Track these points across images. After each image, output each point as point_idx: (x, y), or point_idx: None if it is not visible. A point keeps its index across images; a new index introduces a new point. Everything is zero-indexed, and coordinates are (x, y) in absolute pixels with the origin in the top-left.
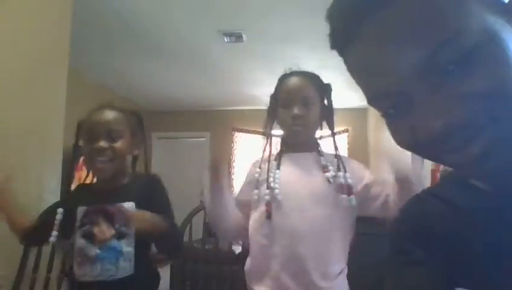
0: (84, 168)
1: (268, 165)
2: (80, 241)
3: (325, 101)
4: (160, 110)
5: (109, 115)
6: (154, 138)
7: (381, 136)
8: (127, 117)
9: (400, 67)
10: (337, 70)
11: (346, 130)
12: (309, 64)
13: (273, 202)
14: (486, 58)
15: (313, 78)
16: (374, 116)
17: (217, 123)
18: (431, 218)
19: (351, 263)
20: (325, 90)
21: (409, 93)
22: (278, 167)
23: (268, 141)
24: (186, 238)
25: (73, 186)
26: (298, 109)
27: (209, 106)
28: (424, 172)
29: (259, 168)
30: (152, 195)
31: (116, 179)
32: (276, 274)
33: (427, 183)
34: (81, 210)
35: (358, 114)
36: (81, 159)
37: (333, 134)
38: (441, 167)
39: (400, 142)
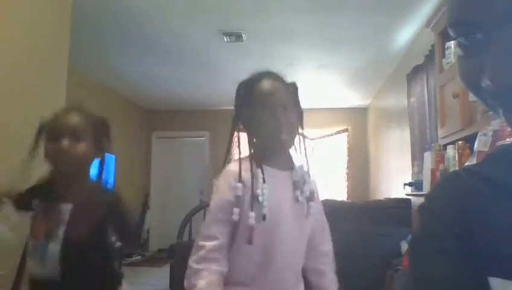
0: None
1: (253, 181)
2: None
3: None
4: (160, 110)
5: (74, 117)
6: (154, 138)
7: None
8: (91, 122)
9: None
10: (337, 70)
11: (346, 130)
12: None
13: (258, 224)
14: None
15: (281, 80)
16: (374, 116)
17: (217, 122)
18: (470, 197)
19: (355, 263)
20: (294, 90)
21: (492, 32)
22: (264, 181)
23: (238, 149)
24: (186, 237)
25: None
26: (283, 116)
27: (208, 106)
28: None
29: (240, 182)
30: (112, 215)
31: (74, 182)
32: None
33: (427, 183)
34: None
35: (357, 114)
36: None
37: (303, 138)
38: (441, 166)
39: (464, 80)
